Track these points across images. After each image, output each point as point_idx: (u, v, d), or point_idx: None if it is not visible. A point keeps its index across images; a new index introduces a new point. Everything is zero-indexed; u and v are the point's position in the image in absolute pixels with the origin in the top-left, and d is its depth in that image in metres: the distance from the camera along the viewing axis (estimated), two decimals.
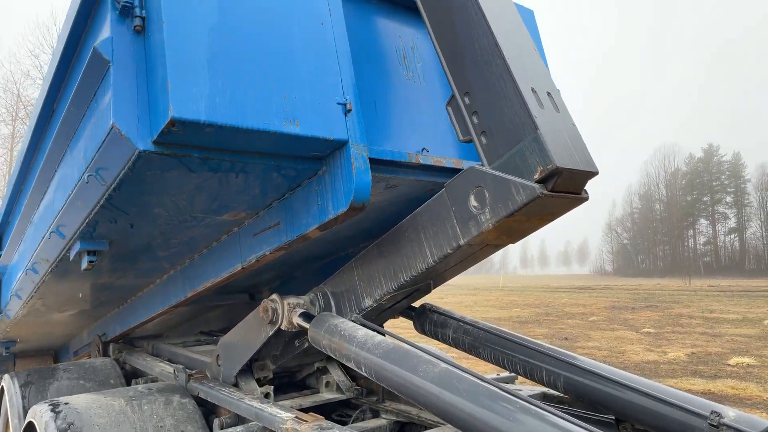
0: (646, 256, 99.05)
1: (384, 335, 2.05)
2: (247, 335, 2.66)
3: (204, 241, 2.68)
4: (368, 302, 2.22)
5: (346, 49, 1.97)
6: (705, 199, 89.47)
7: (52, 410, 2.34)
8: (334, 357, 2.15)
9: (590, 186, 1.81)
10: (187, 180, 1.88)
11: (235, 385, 2.74)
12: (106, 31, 1.64)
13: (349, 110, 1.90)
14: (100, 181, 1.82)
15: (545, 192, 1.62)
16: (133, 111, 1.62)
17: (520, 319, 17.93)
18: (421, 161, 2.21)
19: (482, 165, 1.81)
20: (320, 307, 2.43)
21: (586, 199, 1.81)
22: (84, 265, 2.38)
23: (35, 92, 26.49)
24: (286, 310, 2.34)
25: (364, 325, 2.13)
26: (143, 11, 1.63)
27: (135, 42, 1.65)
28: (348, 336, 2.05)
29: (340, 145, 1.90)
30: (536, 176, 1.63)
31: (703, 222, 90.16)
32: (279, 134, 1.73)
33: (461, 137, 1.92)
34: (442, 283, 2.34)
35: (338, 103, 1.88)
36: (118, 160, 1.69)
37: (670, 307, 20.95)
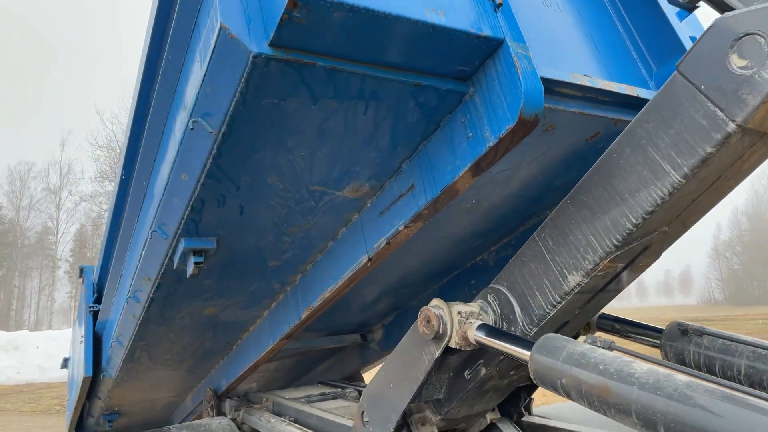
0: (761, 281, 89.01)
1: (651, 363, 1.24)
2: (402, 370, 1.90)
3: (319, 240, 2.29)
4: (572, 281, 1.54)
5: None
6: None
7: None
8: (584, 404, 1.31)
9: None
10: (308, 116, 1.52)
11: None
12: None
13: (500, 4, 1.50)
14: (206, 126, 1.49)
15: None
16: (242, 12, 1.31)
17: None
18: (588, 83, 1.75)
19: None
20: (496, 314, 1.77)
21: None
22: (190, 269, 2.04)
23: None
24: (456, 320, 1.68)
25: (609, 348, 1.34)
26: None
27: None
28: (611, 368, 1.22)
29: (494, 48, 1.48)
30: None
31: None
32: (420, 25, 1.34)
33: None
34: (679, 234, 1.67)
35: None
36: (227, 80, 1.36)
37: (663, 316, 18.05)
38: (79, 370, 3.79)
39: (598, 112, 1.83)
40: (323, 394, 3.36)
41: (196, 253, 2.03)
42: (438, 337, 1.68)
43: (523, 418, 2.36)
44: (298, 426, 2.67)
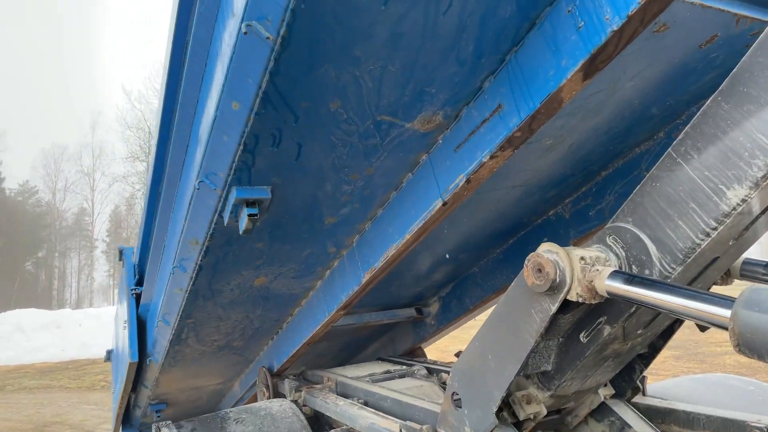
0: None
1: None
2: (506, 336, 1.54)
3: (381, 191, 2.04)
4: (734, 197, 1.17)
5: None
6: None
7: None
8: None
9: None
10: (381, 15, 1.25)
11: None
12: None
13: None
14: (262, 31, 1.24)
15: None
16: None
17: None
18: None
19: None
20: (620, 258, 1.40)
21: None
22: (243, 224, 1.81)
23: None
24: (578, 267, 1.32)
25: None
26: None
27: None
28: None
29: None
30: None
31: None
32: None
33: None
34: None
35: None
36: None
37: None
38: (124, 356, 3.63)
39: (721, 4, 1.51)
40: (388, 372, 3.08)
41: (249, 204, 1.79)
42: (554, 288, 1.34)
43: (638, 399, 2.01)
44: (372, 410, 2.34)
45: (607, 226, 1.42)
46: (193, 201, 1.93)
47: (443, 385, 2.80)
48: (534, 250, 3.05)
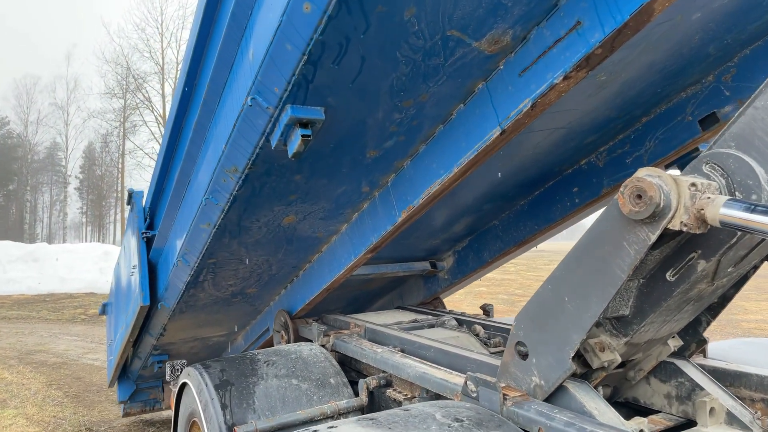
0: None
1: None
2: (590, 273, 1.40)
3: (430, 122, 1.97)
4: None
5: None
6: None
7: None
8: None
9: None
10: None
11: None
12: None
13: None
14: None
15: None
16: None
17: None
18: None
19: None
20: (720, 185, 1.32)
21: None
22: (295, 145, 1.73)
23: (144, 64, 29.20)
24: (687, 194, 1.22)
25: None
26: None
27: None
28: None
29: None
30: None
31: None
32: None
33: None
34: None
35: None
36: None
37: None
38: (130, 302, 3.55)
39: None
40: (415, 321, 3.03)
41: (303, 125, 1.72)
42: (656, 215, 1.22)
43: (702, 362, 1.91)
44: (417, 359, 2.20)
45: (702, 153, 1.36)
46: (239, 122, 1.84)
47: (477, 337, 2.76)
48: (562, 200, 3.02)
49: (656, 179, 1.24)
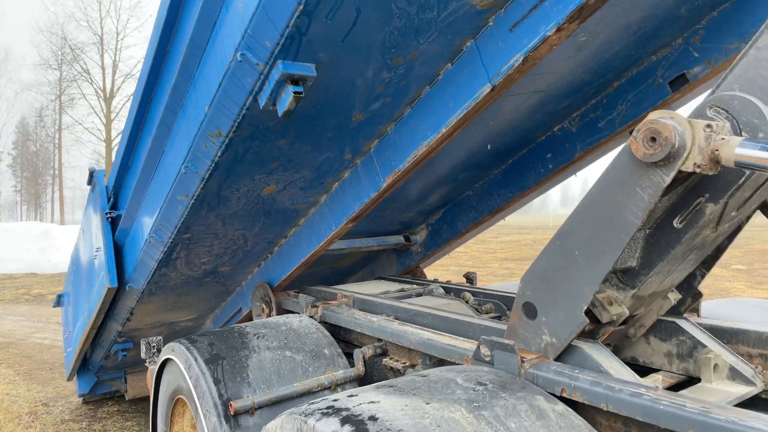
0: None
1: None
2: (602, 223, 1.40)
3: (417, 82, 1.97)
4: None
5: None
6: None
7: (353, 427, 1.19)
8: None
9: None
10: None
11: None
12: None
13: None
14: None
15: None
16: None
17: None
18: None
19: None
20: (730, 122, 1.32)
21: None
22: (286, 103, 1.69)
23: (81, 34, 27.58)
24: (702, 135, 1.23)
25: None
26: None
27: None
28: None
29: None
30: None
31: None
32: None
33: None
34: None
35: None
36: None
37: (749, 244, 19.04)
38: (95, 286, 3.39)
39: None
40: (402, 290, 3.01)
41: (294, 81, 1.68)
42: (671, 156, 1.22)
43: (698, 320, 1.92)
44: (417, 325, 2.14)
45: (706, 99, 1.40)
46: (225, 81, 1.78)
47: (468, 303, 2.79)
48: (536, 166, 3.07)
49: (670, 120, 1.25)
